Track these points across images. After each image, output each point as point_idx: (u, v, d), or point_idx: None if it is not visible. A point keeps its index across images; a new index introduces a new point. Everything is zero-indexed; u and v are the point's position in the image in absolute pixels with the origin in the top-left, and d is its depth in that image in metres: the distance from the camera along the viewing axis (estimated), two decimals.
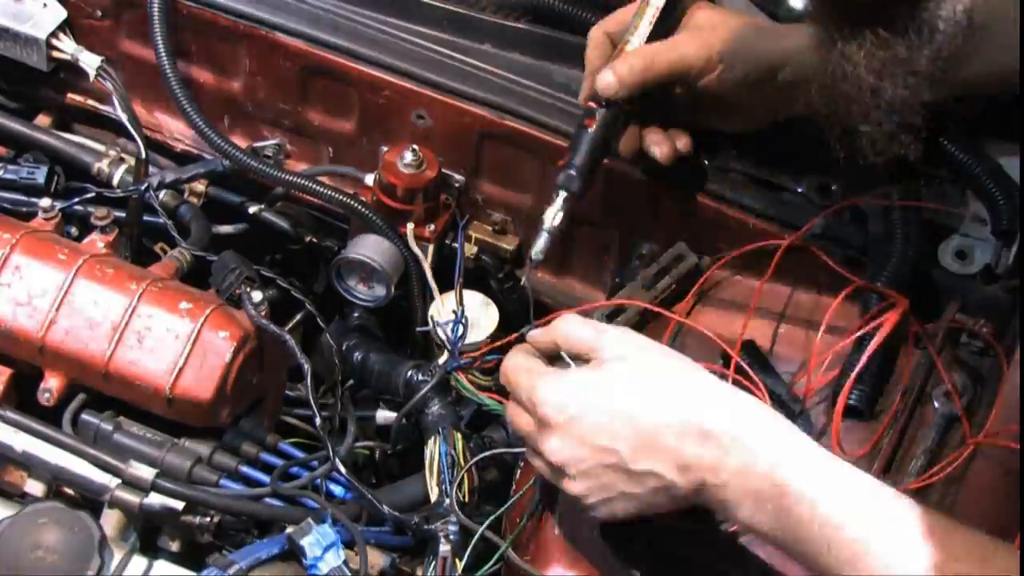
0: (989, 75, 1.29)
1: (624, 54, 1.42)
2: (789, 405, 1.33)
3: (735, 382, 1.30)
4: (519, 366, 1.19)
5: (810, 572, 1.06)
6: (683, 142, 1.46)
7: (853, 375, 1.30)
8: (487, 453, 1.36)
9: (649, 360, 1.15)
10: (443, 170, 1.60)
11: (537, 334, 1.22)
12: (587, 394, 1.13)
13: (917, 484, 1.26)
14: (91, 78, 1.67)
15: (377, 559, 1.34)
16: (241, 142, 1.70)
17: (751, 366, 1.34)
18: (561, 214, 1.40)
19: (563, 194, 1.40)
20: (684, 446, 1.08)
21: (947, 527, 1.01)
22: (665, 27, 1.44)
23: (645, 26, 1.43)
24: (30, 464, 1.35)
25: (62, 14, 1.70)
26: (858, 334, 1.33)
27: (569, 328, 1.18)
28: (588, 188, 1.42)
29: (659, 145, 1.45)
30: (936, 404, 1.33)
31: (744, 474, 1.06)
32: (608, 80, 1.39)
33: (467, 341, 1.46)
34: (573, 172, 1.41)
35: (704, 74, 1.40)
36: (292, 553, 1.27)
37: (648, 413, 1.10)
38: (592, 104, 1.43)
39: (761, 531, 1.08)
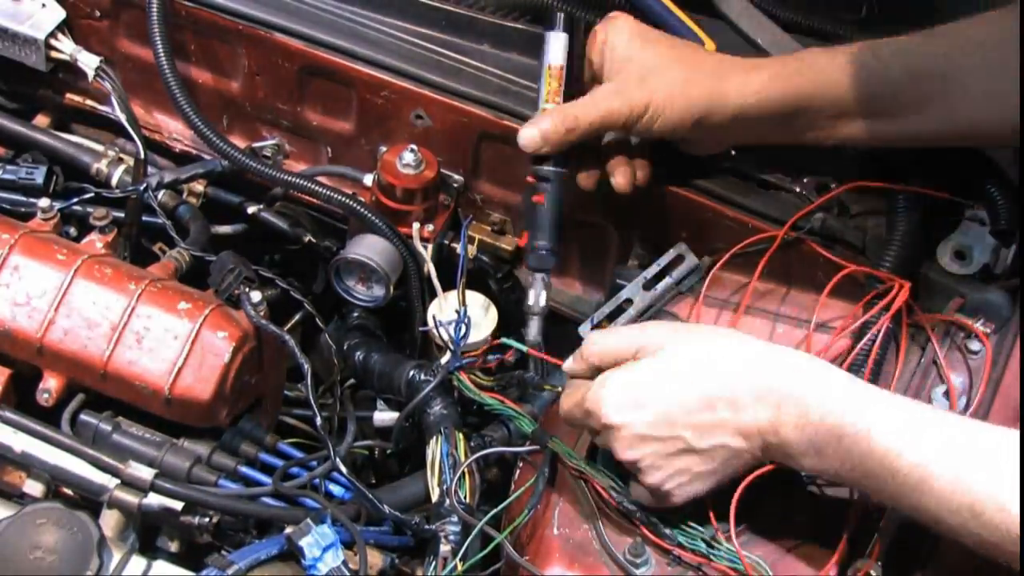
0: (949, 127, 1.34)
1: (545, 112, 1.41)
2: None
3: None
4: (570, 400, 1.24)
5: (884, 503, 1.14)
6: (642, 173, 1.45)
7: (869, 366, 1.31)
8: (486, 451, 1.36)
9: (687, 342, 1.19)
10: (442, 170, 1.60)
11: (571, 365, 1.26)
12: (636, 391, 1.17)
13: None
14: (90, 78, 1.67)
15: (376, 559, 1.35)
16: (240, 142, 1.70)
17: None
18: (544, 293, 1.42)
19: (541, 276, 1.43)
20: (740, 414, 1.14)
21: (1010, 443, 1.05)
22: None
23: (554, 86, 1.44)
24: (29, 464, 1.35)
25: (61, 14, 1.69)
26: (863, 319, 1.33)
27: (599, 343, 1.23)
28: (560, 253, 1.44)
29: (621, 173, 1.43)
30: (935, 404, 1.33)
31: (800, 427, 1.11)
32: (531, 135, 1.39)
33: (467, 341, 1.46)
34: (544, 251, 1.42)
35: (633, 123, 1.38)
36: (291, 553, 1.27)
37: (697, 393, 1.15)
38: (533, 179, 1.42)
39: (829, 474, 1.14)
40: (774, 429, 1.13)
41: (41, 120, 1.80)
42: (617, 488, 1.24)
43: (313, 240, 1.70)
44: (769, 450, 1.15)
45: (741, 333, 1.21)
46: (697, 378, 1.16)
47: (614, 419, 1.17)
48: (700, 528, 1.20)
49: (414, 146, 1.56)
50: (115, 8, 1.71)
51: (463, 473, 1.32)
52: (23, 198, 1.65)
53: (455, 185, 1.64)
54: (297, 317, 1.66)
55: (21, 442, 1.34)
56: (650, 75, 1.38)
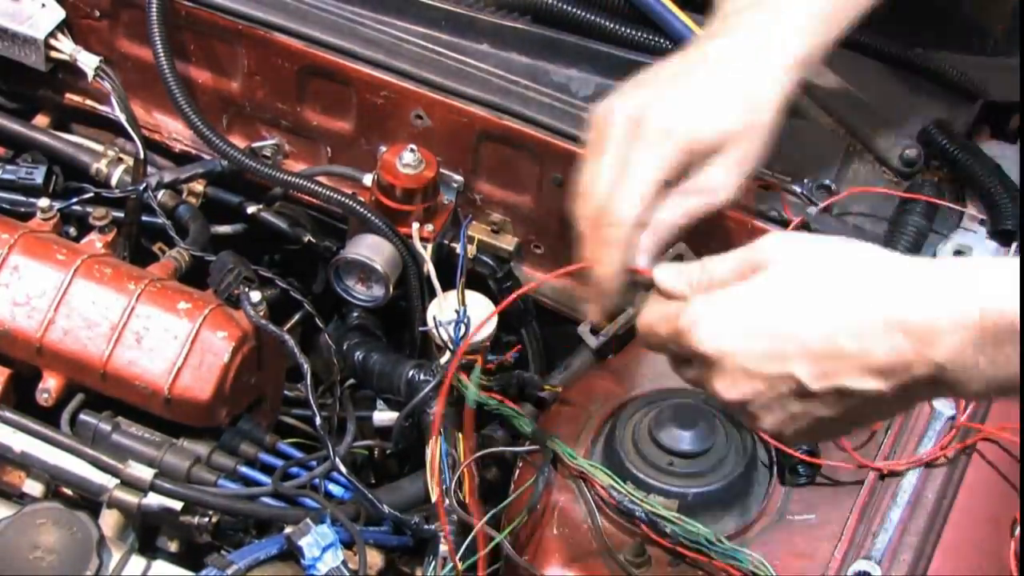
0: None
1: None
2: None
3: None
4: (656, 314, 1.04)
5: None
6: None
7: None
8: (486, 451, 1.36)
9: (802, 257, 0.97)
10: (441, 170, 1.60)
11: (667, 277, 1.05)
12: (738, 317, 0.97)
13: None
14: (89, 78, 1.67)
15: (376, 559, 1.35)
16: (239, 142, 1.69)
17: None
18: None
19: None
20: (870, 347, 0.92)
21: None
22: None
23: None
24: (28, 464, 1.35)
25: (60, 14, 1.69)
26: None
27: (710, 270, 1.02)
28: None
29: None
30: (935, 404, 1.33)
31: (960, 349, 0.89)
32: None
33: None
34: None
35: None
36: (291, 553, 1.27)
37: (814, 321, 0.94)
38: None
39: (1004, 390, 0.92)
40: (922, 359, 0.90)
41: (41, 120, 1.80)
42: (617, 488, 1.24)
43: (313, 240, 1.70)
44: (915, 387, 0.92)
45: (861, 243, 0.99)
46: (815, 302, 0.94)
47: (711, 347, 0.97)
48: (701, 527, 1.20)
49: (414, 146, 1.56)
50: (115, 8, 1.71)
51: (462, 473, 1.32)
52: (23, 198, 1.65)
53: (455, 185, 1.64)
54: (297, 317, 1.66)
55: (21, 442, 1.34)
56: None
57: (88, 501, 1.33)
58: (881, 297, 0.92)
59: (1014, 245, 1.44)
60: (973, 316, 0.88)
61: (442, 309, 1.50)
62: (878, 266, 0.95)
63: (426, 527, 1.31)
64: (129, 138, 1.66)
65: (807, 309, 0.94)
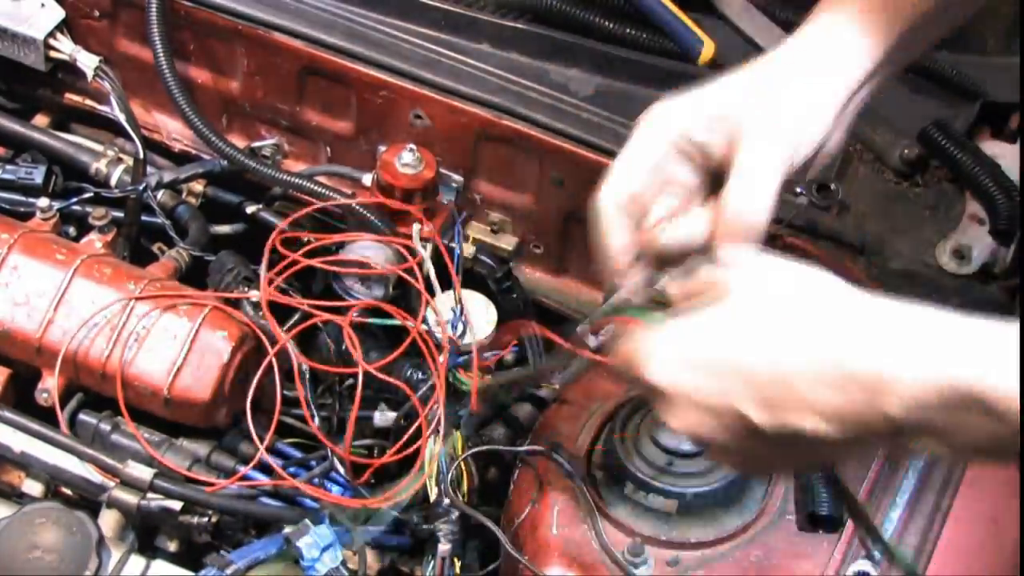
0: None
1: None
2: None
3: None
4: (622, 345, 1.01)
5: None
6: None
7: None
8: (482, 448, 1.36)
9: (762, 291, 0.93)
10: (441, 170, 1.60)
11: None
12: (689, 351, 0.94)
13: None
14: (89, 78, 1.67)
15: (375, 559, 1.34)
16: (239, 142, 1.69)
17: None
18: None
19: None
20: (822, 391, 0.87)
21: None
22: None
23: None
24: (28, 464, 1.35)
25: (60, 14, 1.69)
26: None
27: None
28: None
29: None
30: None
31: (919, 407, 0.82)
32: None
33: (466, 341, 1.46)
34: None
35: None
36: (290, 553, 1.27)
37: (767, 358, 0.89)
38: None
39: (966, 451, 0.87)
40: (872, 410, 0.84)
41: (40, 120, 1.80)
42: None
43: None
44: (870, 437, 0.87)
45: (831, 277, 0.93)
46: (769, 339, 0.89)
47: (656, 379, 0.95)
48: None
49: (413, 146, 1.56)
50: (114, 8, 1.71)
51: (461, 472, 1.32)
52: (22, 198, 1.64)
53: (454, 185, 1.64)
54: (296, 317, 1.66)
55: (20, 442, 1.34)
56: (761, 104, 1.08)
57: (88, 501, 1.34)
58: (837, 340, 0.87)
59: (1013, 246, 1.44)
60: (935, 377, 0.82)
61: (439, 309, 1.50)
62: (841, 307, 0.90)
63: (425, 527, 1.31)
64: (129, 138, 1.66)
65: (760, 345, 0.90)
